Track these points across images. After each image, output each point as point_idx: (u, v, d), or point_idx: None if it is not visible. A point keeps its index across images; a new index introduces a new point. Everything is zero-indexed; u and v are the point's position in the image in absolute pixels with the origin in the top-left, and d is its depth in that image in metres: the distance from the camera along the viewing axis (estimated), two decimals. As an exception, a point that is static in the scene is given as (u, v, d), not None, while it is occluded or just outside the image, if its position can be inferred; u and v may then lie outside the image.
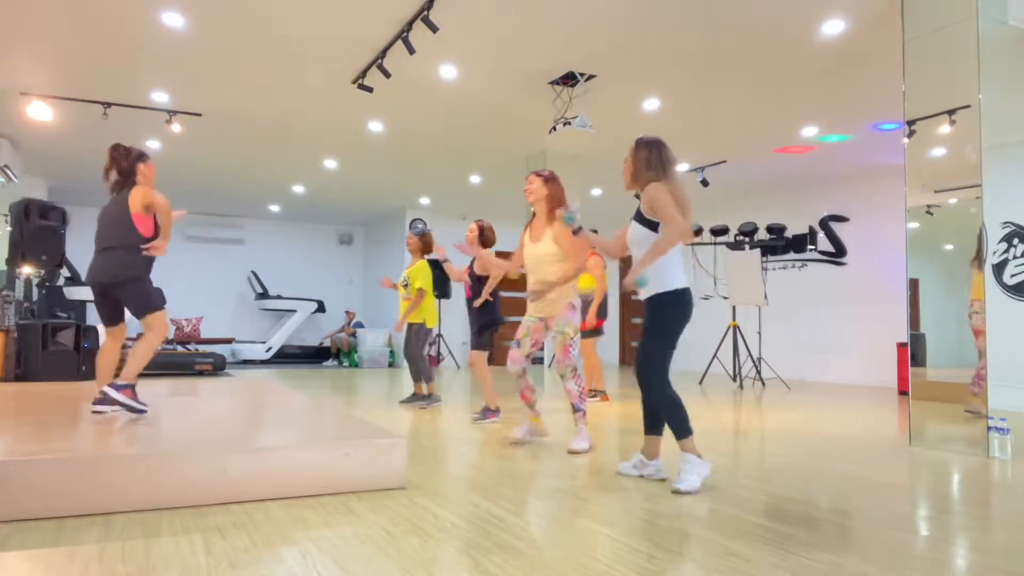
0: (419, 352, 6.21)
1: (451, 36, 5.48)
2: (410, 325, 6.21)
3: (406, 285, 6.30)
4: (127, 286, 4.03)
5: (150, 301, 4.09)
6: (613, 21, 5.26)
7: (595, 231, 4.44)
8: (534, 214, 4.34)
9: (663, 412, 3.23)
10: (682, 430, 3.16)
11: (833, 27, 5.26)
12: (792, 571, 2.08)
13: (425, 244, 6.38)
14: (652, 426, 3.38)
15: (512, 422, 5.20)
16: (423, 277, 6.23)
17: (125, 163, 4.16)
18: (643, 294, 3.29)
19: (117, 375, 4.15)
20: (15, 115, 7.50)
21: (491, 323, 5.46)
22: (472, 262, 5.64)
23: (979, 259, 4.25)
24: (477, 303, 5.44)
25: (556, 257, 4.13)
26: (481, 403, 6.37)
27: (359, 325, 13.34)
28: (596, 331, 6.79)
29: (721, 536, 2.43)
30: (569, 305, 4.14)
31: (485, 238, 5.53)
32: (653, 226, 3.25)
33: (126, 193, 4.11)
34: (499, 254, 6.49)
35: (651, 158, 3.34)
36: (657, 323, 3.24)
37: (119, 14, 5.22)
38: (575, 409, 4.16)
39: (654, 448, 3.38)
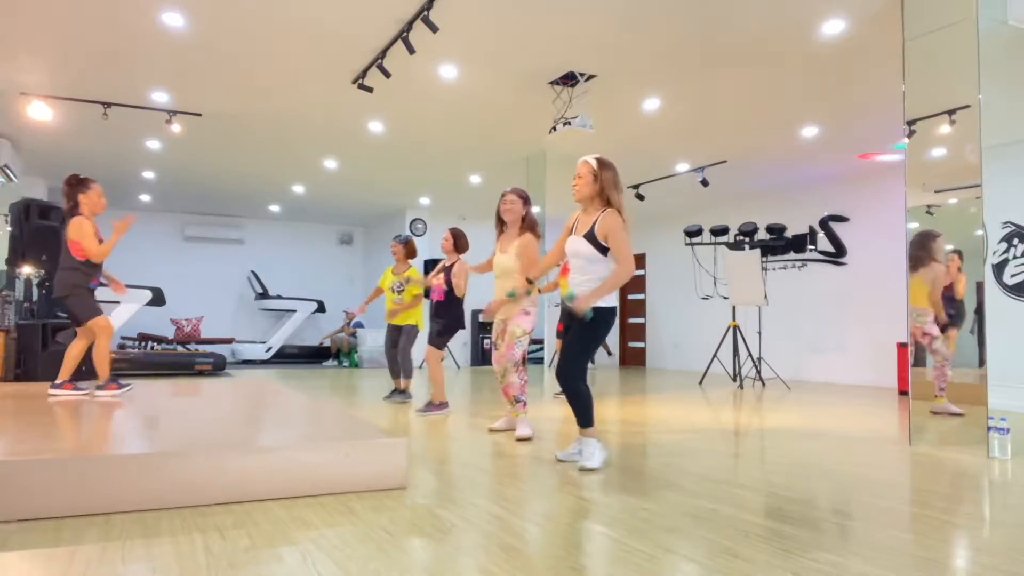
0: (408, 350, 6.55)
1: (451, 36, 5.48)
2: (404, 326, 6.52)
3: (401, 290, 6.49)
4: (67, 300, 4.77)
5: (84, 310, 4.78)
6: (613, 21, 5.26)
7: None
8: (503, 225, 4.69)
9: (572, 402, 3.52)
10: (585, 419, 3.53)
11: (833, 27, 5.26)
12: (792, 571, 2.08)
13: (409, 250, 6.67)
14: None
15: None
16: (420, 282, 6.52)
17: (69, 191, 4.81)
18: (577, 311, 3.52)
19: (84, 366, 5.20)
20: (15, 115, 7.50)
21: (453, 326, 5.67)
22: (448, 267, 5.86)
23: (919, 265, 4.35)
24: (435, 297, 5.73)
25: (518, 270, 4.50)
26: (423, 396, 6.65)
27: (359, 325, 13.33)
28: None
29: (721, 536, 2.43)
30: (523, 311, 4.48)
31: (459, 245, 5.82)
32: (603, 249, 3.48)
33: (69, 221, 4.79)
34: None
35: (616, 180, 3.56)
36: (589, 333, 3.51)
37: (119, 14, 5.22)
38: (516, 400, 4.53)
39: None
